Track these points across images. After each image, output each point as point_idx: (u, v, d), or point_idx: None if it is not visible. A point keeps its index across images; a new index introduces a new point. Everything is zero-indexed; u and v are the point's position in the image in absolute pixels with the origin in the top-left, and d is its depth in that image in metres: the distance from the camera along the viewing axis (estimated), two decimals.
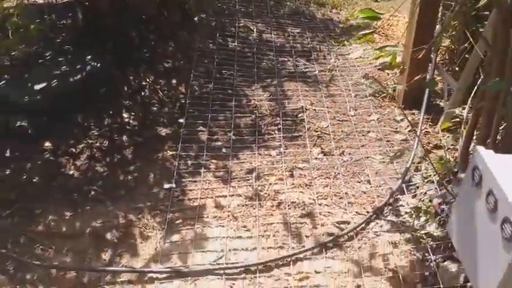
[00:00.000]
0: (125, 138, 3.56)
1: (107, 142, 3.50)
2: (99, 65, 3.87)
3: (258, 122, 3.72)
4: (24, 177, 3.16)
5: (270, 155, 3.41)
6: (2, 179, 3.11)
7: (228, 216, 2.94)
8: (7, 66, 4.02)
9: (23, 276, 2.62)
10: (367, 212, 2.93)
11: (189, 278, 2.59)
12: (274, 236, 2.81)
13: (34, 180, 3.15)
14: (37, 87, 3.57)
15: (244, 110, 3.86)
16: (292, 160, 3.34)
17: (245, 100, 3.98)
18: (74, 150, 3.40)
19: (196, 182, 3.19)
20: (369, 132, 3.61)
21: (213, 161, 3.37)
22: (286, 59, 4.54)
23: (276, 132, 3.62)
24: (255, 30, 4.96)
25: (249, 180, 3.20)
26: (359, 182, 3.16)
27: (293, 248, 2.73)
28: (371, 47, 4.65)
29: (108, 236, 2.84)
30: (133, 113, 3.77)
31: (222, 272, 2.61)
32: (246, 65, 4.40)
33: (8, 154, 3.31)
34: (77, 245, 2.78)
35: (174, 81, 4.13)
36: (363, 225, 2.84)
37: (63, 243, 2.79)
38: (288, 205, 2.98)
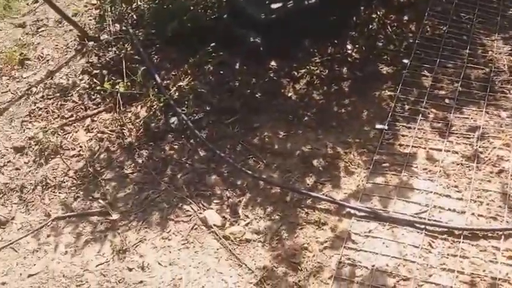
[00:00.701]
0: (344, 70, 3.52)
1: (327, 71, 3.51)
2: None
3: (492, 77, 3.33)
4: (249, 91, 3.36)
5: (500, 116, 3.06)
6: (231, 89, 3.35)
7: (440, 171, 2.76)
8: None
9: (235, 181, 2.86)
10: None
11: (387, 223, 2.55)
12: (487, 204, 2.57)
13: (257, 95, 3.33)
14: (274, 6, 3.67)
15: (477, 61, 3.48)
16: None
17: (481, 50, 3.57)
18: (295, 73, 3.48)
19: (410, 129, 3.04)
20: None
21: (433, 110, 3.15)
22: None
23: None
24: None
25: (469, 138, 2.93)
26: None
27: (507, 222, 2.47)
28: None
29: (315, 162, 2.91)
30: (357, 46, 3.68)
31: (423, 226, 2.50)
32: (489, 11, 3.91)
33: (237, 66, 3.54)
34: (285, 164, 2.91)
35: (405, 17, 3.89)
36: None
37: (273, 159, 2.95)
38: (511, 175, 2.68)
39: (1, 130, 3.29)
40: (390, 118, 3.11)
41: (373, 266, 2.38)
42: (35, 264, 2.59)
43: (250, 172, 2.84)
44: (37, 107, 3.43)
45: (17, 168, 3.05)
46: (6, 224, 2.77)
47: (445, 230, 2.48)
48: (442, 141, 2.93)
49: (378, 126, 3.10)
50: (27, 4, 4.44)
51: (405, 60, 3.50)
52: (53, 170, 3.03)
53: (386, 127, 3.06)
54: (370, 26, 3.81)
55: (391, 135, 3.02)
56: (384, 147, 2.95)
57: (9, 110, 3.43)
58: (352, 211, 2.63)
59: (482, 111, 3.09)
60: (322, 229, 2.58)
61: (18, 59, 3.81)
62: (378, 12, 3.90)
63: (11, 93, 3.56)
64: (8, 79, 3.68)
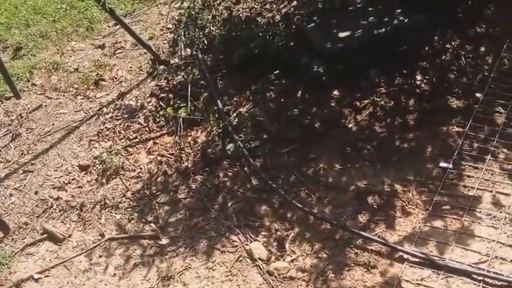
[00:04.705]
0: (411, 102, 3.37)
1: (392, 103, 3.38)
2: (406, 21, 3.68)
3: None
4: (308, 120, 3.30)
5: None
6: (291, 118, 3.29)
7: (505, 218, 2.55)
8: (319, 9, 4.17)
9: (284, 213, 2.81)
10: None
11: (442, 272, 2.38)
12: None
13: (316, 125, 3.27)
14: (341, 35, 3.60)
15: None
16: None
17: None
18: (358, 104, 3.39)
19: (477, 169, 2.84)
20: None
21: (504, 150, 2.93)
22: None
23: None
24: None
25: None
26: None
27: None
28: None
29: (370, 199, 2.80)
30: (427, 77, 3.52)
31: (481, 278, 2.32)
32: None
33: (299, 95, 3.51)
34: (338, 199, 2.83)
35: (482, 49, 3.67)
36: None
37: (326, 193, 2.87)
38: None
39: (70, 148, 3.47)
40: (456, 156, 2.92)
41: None
42: (84, 285, 2.68)
43: (300, 205, 2.78)
44: (105, 127, 3.58)
45: (79, 187, 3.20)
46: (63, 241, 2.90)
47: (505, 284, 2.28)
48: (511, 185, 2.71)
49: (442, 164, 2.92)
50: (108, 26, 4.67)
51: (478, 94, 3.29)
52: (113, 190, 3.14)
53: (451, 166, 2.88)
54: (443, 57, 3.63)
55: (455, 175, 2.84)
56: (446, 187, 2.78)
57: (80, 128, 3.62)
58: (405, 256, 2.49)
59: None
60: (371, 272, 2.46)
61: (94, 79, 4.01)
62: (453, 43, 3.72)
63: (84, 112, 3.76)
64: (82, 98, 3.89)
